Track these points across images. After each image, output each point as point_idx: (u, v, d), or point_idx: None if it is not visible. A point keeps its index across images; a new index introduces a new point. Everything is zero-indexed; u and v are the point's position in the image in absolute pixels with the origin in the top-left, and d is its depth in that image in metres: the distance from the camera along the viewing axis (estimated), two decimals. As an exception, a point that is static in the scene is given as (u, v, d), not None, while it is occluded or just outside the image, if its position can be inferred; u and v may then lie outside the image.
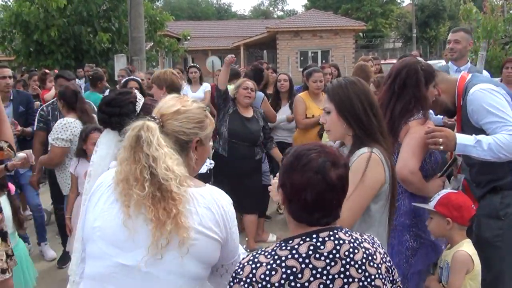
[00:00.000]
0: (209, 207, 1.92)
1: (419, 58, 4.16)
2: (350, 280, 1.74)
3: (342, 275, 1.74)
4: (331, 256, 1.76)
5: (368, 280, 1.76)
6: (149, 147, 1.85)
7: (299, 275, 1.73)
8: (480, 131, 3.19)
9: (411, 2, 43.22)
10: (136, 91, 2.97)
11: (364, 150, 2.50)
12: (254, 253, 1.85)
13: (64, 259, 5.57)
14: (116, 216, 1.89)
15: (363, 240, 1.85)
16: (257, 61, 11.21)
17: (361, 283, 1.75)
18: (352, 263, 1.76)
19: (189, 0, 66.90)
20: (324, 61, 29.10)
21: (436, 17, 43.55)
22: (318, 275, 1.73)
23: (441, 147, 3.06)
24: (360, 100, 2.58)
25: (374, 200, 2.50)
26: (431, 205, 3.02)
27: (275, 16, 69.89)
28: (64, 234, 5.16)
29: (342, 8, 46.50)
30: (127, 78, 7.11)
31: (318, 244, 1.77)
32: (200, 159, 2.12)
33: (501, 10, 11.44)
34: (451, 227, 3.00)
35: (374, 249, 1.84)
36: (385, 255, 1.89)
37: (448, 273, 2.99)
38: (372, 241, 1.89)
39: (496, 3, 11.22)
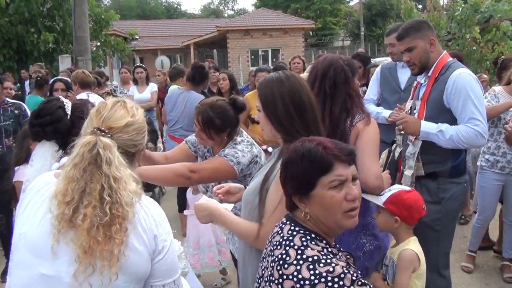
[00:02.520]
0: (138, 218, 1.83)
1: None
2: (266, 264, 1.92)
3: (268, 257, 1.93)
4: (270, 238, 2.00)
5: (270, 278, 1.83)
6: (110, 167, 1.74)
7: (267, 246, 2.02)
8: (445, 111, 3.39)
9: (358, 0, 43.83)
10: (61, 95, 2.86)
11: None
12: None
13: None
14: (41, 224, 1.79)
15: (287, 244, 1.85)
16: (207, 60, 11.14)
17: (267, 274, 1.87)
18: (271, 254, 1.89)
19: (137, -2, 66.10)
20: (274, 59, 29.17)
21: (383, 15, 44.33)
22: (267, 249, 1.99)
23: (402, 132, 3.45)
24: (283, 100, 2.45)
25: None
26: (380, 201, 2.95)
27: (226, 15, 69.76)
28: (7, 245, 4.94)
29: (291, 7, 46.74)
30: (54, 79, 6.96)
31: (276, 227, 2.00)
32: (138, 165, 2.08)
33: (443, 8, 11.67)
34: (398, 226, 2.95)
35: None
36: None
37: (394, 271, 2.95)
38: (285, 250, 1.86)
39: (437, 1, 11.44)
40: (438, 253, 3.53)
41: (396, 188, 3.02)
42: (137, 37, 35.58)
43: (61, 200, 1.74)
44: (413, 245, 2.95)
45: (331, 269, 1.71)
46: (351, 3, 53.48)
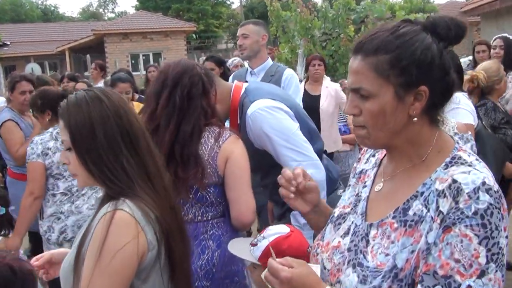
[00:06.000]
0: None
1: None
2: None
3: None
4: None
5: None
6: None
7: None
8: (263, 152, 2.79)
9: (240, 3, 44.09)
10: None
11: (106, 208, 1.66)
12: None
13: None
14: None
15: None
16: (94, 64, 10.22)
17: None
18: None
19: (11, 1, 62.21)
20: (156, 63, 28.32)
21: (265, 17, 44.77)
22: None
23: None
24: (105, 126, 1.69)
25: (138, 277, 1.67)
26: (255, 256, 2.21)
27: (106, 18, 67.50)
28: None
29: (172, 8, 46.00)
30: None
31: None
32: None
33: (315, 9, 11.73)
34: None
35: None
36: None
37: None
38: None
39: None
40: None
41: (272, 234, 2.25)
42: (8, 42, 33.37)
43: None
44: None
45: None
46: (233, 6, 53.67)
